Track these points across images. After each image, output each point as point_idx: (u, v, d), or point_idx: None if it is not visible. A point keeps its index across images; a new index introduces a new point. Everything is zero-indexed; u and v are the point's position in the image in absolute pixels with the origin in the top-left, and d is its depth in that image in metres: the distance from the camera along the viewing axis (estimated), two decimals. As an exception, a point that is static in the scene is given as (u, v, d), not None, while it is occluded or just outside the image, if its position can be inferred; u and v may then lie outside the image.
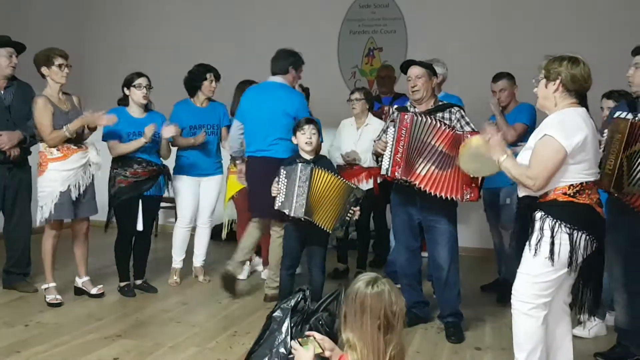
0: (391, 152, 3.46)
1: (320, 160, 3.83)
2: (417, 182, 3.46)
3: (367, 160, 4.84)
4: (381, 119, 4.97)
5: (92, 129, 4.19)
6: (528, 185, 2.62)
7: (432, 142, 3.42)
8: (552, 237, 2.57)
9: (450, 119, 3.57)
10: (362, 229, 5.20)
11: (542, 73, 2.68)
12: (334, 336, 2.68)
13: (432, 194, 3.44)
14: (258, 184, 4.08)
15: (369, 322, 1.95)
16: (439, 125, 3.44)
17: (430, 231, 3.70)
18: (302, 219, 3.66)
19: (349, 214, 3.65)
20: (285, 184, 3.66)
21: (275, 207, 3.72)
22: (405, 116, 3.45)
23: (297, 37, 6.53)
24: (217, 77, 4.75)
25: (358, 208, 3.66)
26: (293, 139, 3.87)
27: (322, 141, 4.97)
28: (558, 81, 2.62)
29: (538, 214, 2.64)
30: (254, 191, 4.24)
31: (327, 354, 2.18)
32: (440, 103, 3.71)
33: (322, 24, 6.54)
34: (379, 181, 4.80)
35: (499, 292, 4.49)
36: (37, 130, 4.06)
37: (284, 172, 3.68)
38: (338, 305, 2.75)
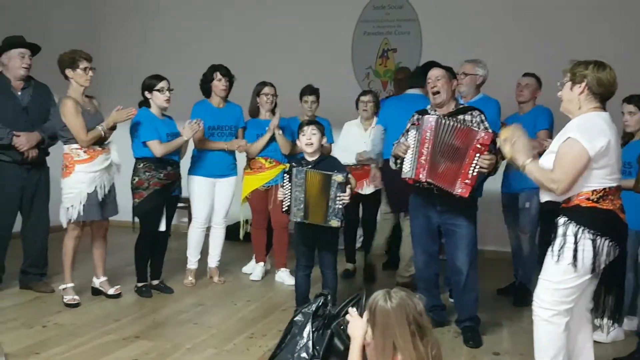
0: (414, 154, 3.45)
1: (323, 161, 3.79)
2: (437, 182, 3.44)
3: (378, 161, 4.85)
4: None
5: (112, 129, 4.19)
6: (552, 189, 2.60)
7: (454, 143, 3.41)
8: (576, 243, 2.55)
9: (471, 122, 3.55)
10: (368, 229, 5.19)
11: (567, 76, 2.66)
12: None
13: (438, 185, 3.43)
14: (395, 183, 4.11)
15: (403, 334, 1.93)
16: (462, 127, 3.42)
17: (449, 235, 3.68)
18: (302, 222, 3.69)
19: (337, 202, 3.58)
20: (289, 188, 3.69)
21: (282, 211, 3.78)
22: (430, 119, 3.43)
23: (312, 38, 6.57)
24: (228, 75, 4.74)
25: (347, 193, 3.58)
26: (297, 142, 3.88)
27: (331, 142, 5.02)
28: (584, 84, 2.60)
29: (561, 220, 2.62)
30: (392, 190, 4.60)
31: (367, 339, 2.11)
32: (460, 106, 3.69)
33: (337, 25, 6.54)
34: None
35: (515, 296, 4.48)
36: (68, 131, 4.02)
37: (287, 177, 3.71)
38: (360, 310, 2.75)
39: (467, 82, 4.24)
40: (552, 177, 2.58)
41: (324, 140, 3.92)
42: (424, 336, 1.95)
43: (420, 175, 3.44)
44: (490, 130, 3.50)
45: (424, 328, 1.96)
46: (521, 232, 4.43)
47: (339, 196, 3.56)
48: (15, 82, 4.28)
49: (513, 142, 2.76)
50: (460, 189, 3.38)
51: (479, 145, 3.33)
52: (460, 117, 3.56)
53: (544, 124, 4.31)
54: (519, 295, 4.42)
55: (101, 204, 4.14)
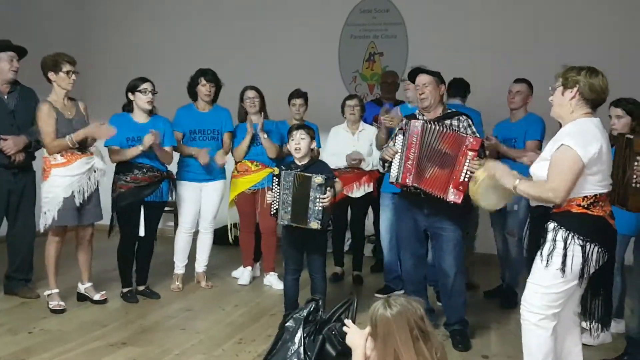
0: (401, 159, 3.47)
1: (312, 166, 3.80)
2: (424, 187, 3.47)
3: (369, 164, 4.88)
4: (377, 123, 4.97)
5: (86, 141, 4.13)
6: (549, 199, 2.59)
7: (441, 148, 3.44)
8: (565, 248, 2.57)
9: (458, 127, 3.58)
10: (356, 232, 5.21)
11: (559, 81, 2.67)
12: (347, 347, 2.68)
13: (428, 192, 3.46)
14: None
15: (405, 341, 1.93)
16: (449, 132, 3.46)
17: (436, 238, 3.71)
18: (289, 225, 3.70)
19: (317, 204, 3.60)
20: (278, 191, 3.70)
21: (271, 214, 3.79)
22: (416, 124, 3.46)
23: (298, 41, 6.56)
24: (213, 81, 4.71)
25: (327, 195, 3.59)
26: (285, 146, 3.89)
27: (319, 146, 5.01)
28: (575, 89, 2.61)
29: (551, 225, 2.64)
30: None
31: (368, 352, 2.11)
32: (448, 111, 3.72)
33: (323, 28, 6.54)
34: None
35: (503, 298, 4.51)
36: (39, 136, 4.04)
37: (276, 180, 3.72)
38: (351, 315, 2.75)
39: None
40: (548, 187, 2.57)
41: (313, 144, 3.92)
42: (428, 340, 1.95)
43: (407, 180, 3.47)
44: (477, 135, 3.53)
45: (427, 332, 1.97)
46: (509, 234, 4.47)
47: (319, 198, 3.58)
48: (2, 86, 4.23)
49: (492, 175, 2.78)
50: (453, 196, 3.41)
51: (468, 151, 3.36)
52: (447, 122, 3.58)
53: (536, 134, 4.32)
54: (507, 297, 4.46)
55: (79, 209, 4.07)
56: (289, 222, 3.69)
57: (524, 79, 4.51)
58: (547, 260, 2.61)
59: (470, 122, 3.63)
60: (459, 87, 4.82)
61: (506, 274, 4.63)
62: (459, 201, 3.41)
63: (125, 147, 4.27)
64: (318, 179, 3.58)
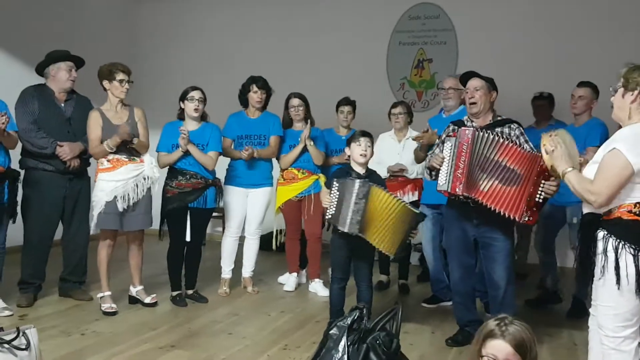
0: (450, 167, 3.38)
1: (372, 175, 3.79)
2: (479, 198, 3.37)
3: (413, 172, 4.83)
4: None
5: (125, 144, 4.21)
6: (589, 201, 2.49)
7: (497, 158, 3.32)
8: (617, 259, 2.44)
9: (509, 135, 3.49)
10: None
11: (620, 82, 2.53)
12: (391, 357, 2.66)
13: (492, 208, 3.34)
14: None
15: None
16: (502, 140, 3.34)
17: (486, 248, 3.61)
18: (355, 235, 3.64)
19: (410, 237, 3.63)
20: (337, 197, 3.62)
21: (326, 219, 3.73)
22: (467, 131, 3.37)
23: (347, 48, 6.58)
24: (264, 88, 4.77)
25: (417, 230, 3.65)
26: (346, 149, 3.85)
27: (370, 154, 5.00)
28: (637, 92, 2.48)
29: (600, 233, 2.51)
30: None
31: None
32: (499, 117, 3.63)
33: (372, 35, 6.54)
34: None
35: (570, 309, 4.39)
36: None
37: (337, 185, 3.65)
38: (395, 324, 2.72)
39: (454, 96, 4.34)
40: (590, 189, 2.47)
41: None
42: None
43: (457, 189, 3.36)
44: (532, 148, 3.40)
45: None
46: (572, 248, 4.35)
47: (413, 233, 3.61)
48: (59, 94, 4.39)
49: (552, 150, 2.69)
50: (527, 217, 3.31)
51: (542, 170, 3.22)
52: (498, 129, 3.50)
53: (595, 140, 4.12)
54: (575, 309, 4.36)
55: (123, 214, 4.17)
56: (357, 232, 3.61)
57: (588, 82, 4.35)
58: (602, 275, 2.47)
59: (522, 131, 3.54)
60: None
61: (547, 281, 4.53)
62: (533, 222, 3.35)
63: (170, 152, 4.43)
64: (422, 217, 3.66)
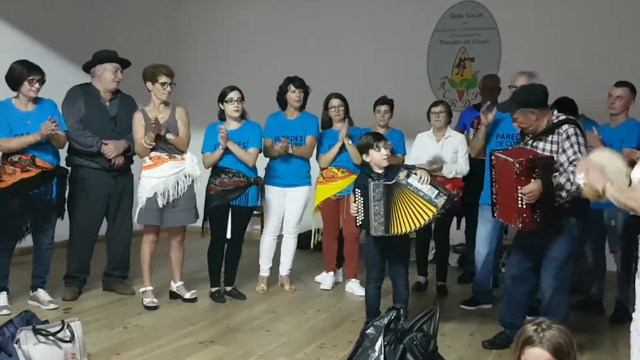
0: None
1: (390, 171, 3.72)
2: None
3: (451, 171, 4.77)
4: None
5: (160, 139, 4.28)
6: (633, 209, 2.43)
7: (495, 176, 3.53)
8: None
9: (556, 142, 3.41)
10: (439, 241, 5.10)
11: None
12: (428, 358, 2.64)
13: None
14: None
15: None
16: (503, 158, 3.43)
17: (543, 255, 3.55)
18: (383, 236, 3.66)
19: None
20: (362, 202, 3.67)
21: (357, 225, 3.78)
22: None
23: (386, 47, 6.55)
24: (302, 87, 4.79)
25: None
26: (364, 157, 3.82)
27: (404, 153, 4.97)
28: None
29: None
30: None
31: None
32: (555, 121, 3.49)
33: (412, 34, 6.48)
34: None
35: (614, 314, 4.30)
36: None
37: (359, 192, 3.69)
38: (433, 326, 2.70)
39: None
40: (634, 196, 2.42)
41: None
42: None
43: (495, 214, 3.55)
44: (576, 150, 3.34)
45: None
46: (612, 252, 4.24)
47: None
48: (104, 94, 4.51)
49: (586, 176, 2.63)
50: (520, 224, 3.36)
51: (514, 176, 3.27)
52: (550, 137, 3.43)
53: (632, 141, 4.05)
54: (617, 314, 4.26)
55: (163, 211, 4.25)
56: (383, 234, 3.64)
57: (626, 82, 4.25)
58: None
59: (575, 131, 3.39)
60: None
61: (593, 288, 4.44)
62: (526, 229, 3.35)
63: (213, 152, 4.50)
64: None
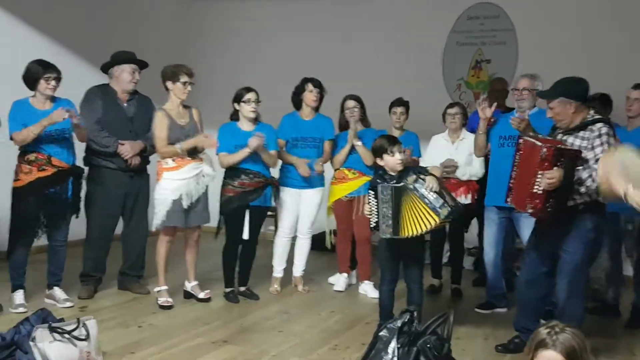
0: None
1: (403, 173, 3.70)
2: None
3: (465, 174, 4.75)
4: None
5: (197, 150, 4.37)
6: None
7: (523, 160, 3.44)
8: None
9: (582, 137, 3.37)
10: (454, 244, 5.08)
11: None
12: (442, 361, 2.63)
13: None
14: None
15: None
16: (528, 140, 3.40)
17: (559, 259, 3.51)
18: (392, 238, 3.65)
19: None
20: (376, 205, 3.68)
21: (371, 228, 3.80)
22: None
23: (402, 48, 6.53)
24: (319, 87, 4.79)
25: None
26: (379, 160, 3.81)
27: (419, 155, 4.95)
28: None
29: None
30: None
31: None
32: (588, 119, 3.43)
33: (428, 35, 6.45)
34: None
35: (630, 319, 4.25)
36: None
37: (372, 194, 3.69)
38: (447, 329, 2.69)
39: (529, 97, 4.17)
40: None
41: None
42: None
43: (508, 200, 3.49)
44: (600, 147, 3.30)
45: None
46: (628, 257, 4.19)
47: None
48: (122, 95, 4.54)
49: (606, 179, 2.59)
50: (530, 209, 3.30)
51: (539, 160, 3.21)
52: (581, 133, 3.39)
53: None
54: (634, 319, 4.23)
55: (186, 211, 4.29)
56: (391, 236, 3.65)
57: None
58: None
59: (606, 131, 3.33)
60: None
61: (609, 292, 4.40)
62: (535, 216, 3.34)
63: (233, 152, 4.45)
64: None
